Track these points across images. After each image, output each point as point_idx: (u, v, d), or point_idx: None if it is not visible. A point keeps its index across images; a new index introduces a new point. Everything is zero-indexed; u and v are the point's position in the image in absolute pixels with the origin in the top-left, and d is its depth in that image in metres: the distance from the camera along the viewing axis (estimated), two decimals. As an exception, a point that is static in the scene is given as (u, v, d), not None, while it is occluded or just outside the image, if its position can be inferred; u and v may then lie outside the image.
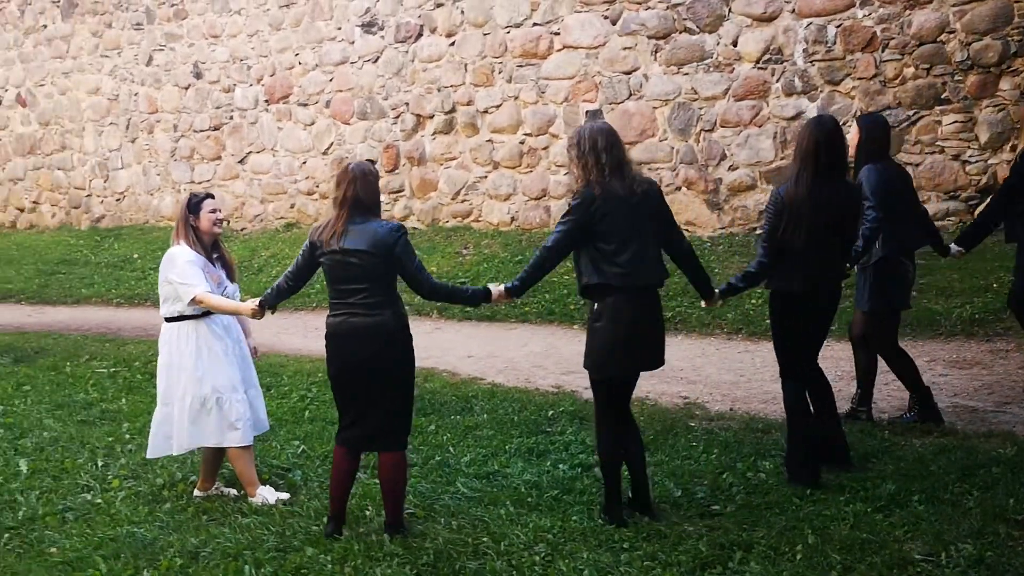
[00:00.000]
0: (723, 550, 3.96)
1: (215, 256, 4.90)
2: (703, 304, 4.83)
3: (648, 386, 6.73)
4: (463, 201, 11.98)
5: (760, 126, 9.72)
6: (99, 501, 4.92)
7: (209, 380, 4.72)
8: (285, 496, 4.86)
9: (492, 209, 11.73)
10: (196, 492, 5.01)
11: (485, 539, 4.17)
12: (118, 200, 15.36)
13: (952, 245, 5.84)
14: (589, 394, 6.50)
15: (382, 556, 4.04)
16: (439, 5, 11.80)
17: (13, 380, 7.65)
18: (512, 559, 3.98)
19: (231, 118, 13.97)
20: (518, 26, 11.21)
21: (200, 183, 14.31)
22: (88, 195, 15.69)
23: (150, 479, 5.18)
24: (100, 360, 8.37)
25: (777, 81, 9.61)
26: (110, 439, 5.99)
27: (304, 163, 13.34)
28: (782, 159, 9.53)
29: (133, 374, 7.76)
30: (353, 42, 12.61)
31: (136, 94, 14.88)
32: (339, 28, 12.72)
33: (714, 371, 7.15)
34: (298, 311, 10.27)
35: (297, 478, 5.21)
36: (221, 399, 4.72)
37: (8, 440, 6.04)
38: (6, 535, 4.51)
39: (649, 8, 10.25)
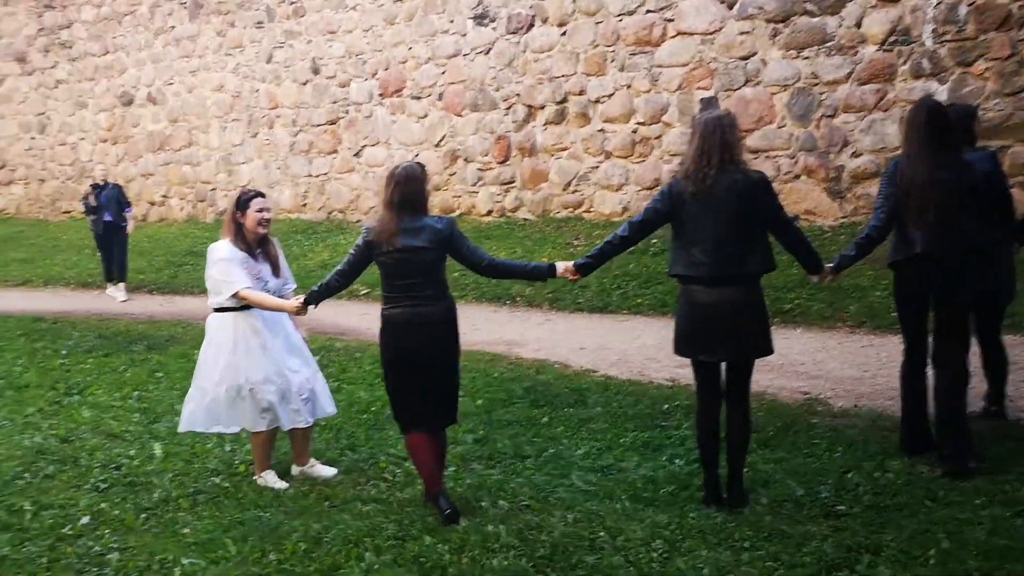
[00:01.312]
0: (850, 553, 3.83)
1: (259, 252, 5.08)
2: (813, 279, 4.82)
3: (767, 380, 6.57)
4: (574, 192, 11.94)
5: (886, 111, 9.33)
6: (227, 485, 5.11)
7: (243, 371, 4.97)
8: (283, 485, 5.05)
9: (604, 199, 11.65)
10: (293, 468, 5.26)
11: (602, 533, 4.14)
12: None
13: None
14: (706, 388, 6.42)
15: (499, 547, 4.06)
16: (551, -5, 11.76)
17: (147, 367, 8.02)
18: (629, 555, 3.93)
19: (347, 112, 14.29)
20: (631, 13, 11.07)
21: (317, 176, 14.71)
22: (213, 189, 16.32)
23: (273, 465, 5.33)
24: (226, 348, 8.67)
25: (904, 64, 9.19)
26: (236, 425, 6.19)
27: (417, 155, 13.51)
28: (909, 145, 9.12)
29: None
30: (465, 34, 12.71)
31: (257, 90, 15.37)
32: (451, 21, 12.83)
33: (836, 366, 6.92)
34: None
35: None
36: (254, 390, 4.97)
37: (143, 424, 6.34)
38: (143, 515, 4.73)
39: (767, -9, 9.96)
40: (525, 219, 12.38)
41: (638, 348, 7.95)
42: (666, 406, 6.09)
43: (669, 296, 9.20)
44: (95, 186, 12.27)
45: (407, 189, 4.40)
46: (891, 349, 7.05)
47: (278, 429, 5.15)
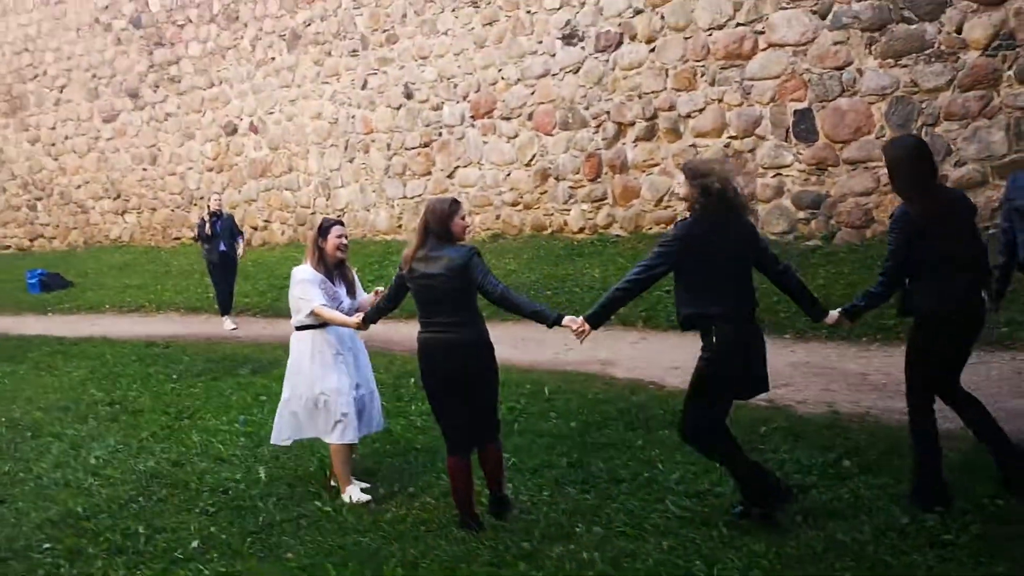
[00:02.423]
0: (957, 585, 3.70)
1: (336, 274, 5.50)
2: (824, 322, 4.75)
3: (869, 401, 6.41)
4: (666, 207, 11.85)
5: (990, 118, 8.99)
6: (328, 509, 5.25)
7: (320, 383, 5.40)
8: (366, 498, 5.32)
9: (697, 215, 11.51)
10: (332, 483, 5.58)
11: (698, 562, 4.10)
12: (339, 216, 16.33)
13: None
14: (804, 409, 6.29)
15: (593, 575, 4.06)
16: (639, 12, 11.75)
17: (252, 390, 8.29)
18: (725, 585, 3.89)
19: (440, 135, 14.53)
20: (720, 27, 10.97)
21: (412, 198, 14.99)
22: (312, 213, 16.78)
23: (372, 490, 5.46)
24: (326, 371, 8.90)
25: (1009, 69, 8.85)
26: (337, 448, 6.35)
27: (508, 175, 13.66)
28: (1016, 152, 8.77)
29: (355, 385, 8.19)
30: (554, 54, 12.80)
31: (353, 116, 15.78)
32: (540, 42, 12.94)
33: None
34: (504, 322, 10.50)
35: (508, 491, 5.31)
36: (328, 401, 5.38)
37: (248, 448, 6.56)
38: (249, 539, 4.90)
39: (861, 0, 9.73)
40: (617, 236, 12.35)
41: (734, 367, 7.81)
42: (763, 428, 5.98)
43: (765, 313, 9.01)
44: (213, 215, 12.25)
45: (431, 220, 4.71)
46: (1002, 367, 6.79)
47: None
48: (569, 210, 12.96)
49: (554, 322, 4.62)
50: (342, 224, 5.58)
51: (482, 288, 4.64)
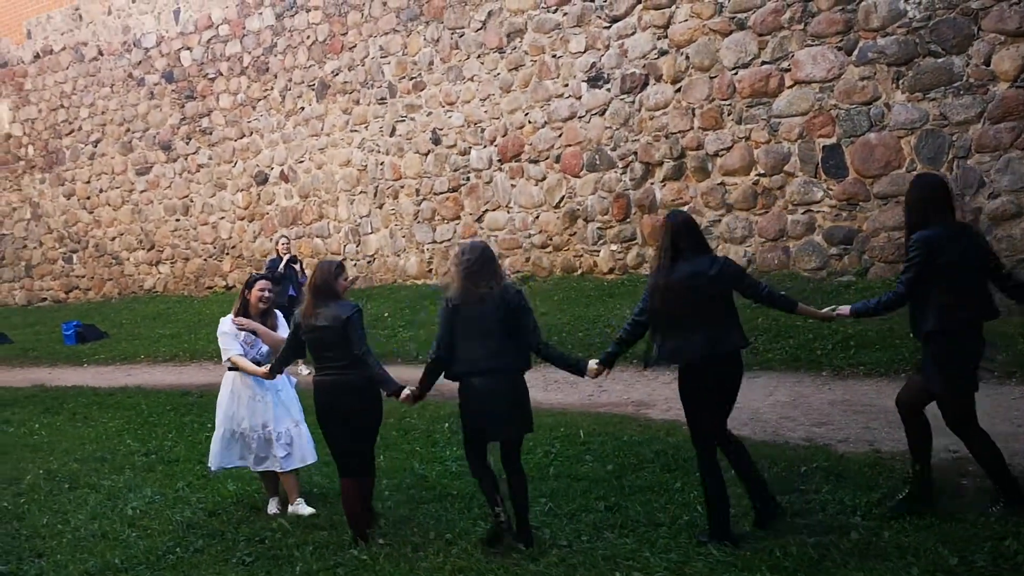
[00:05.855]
0: (1012, 629, 3.59)
1: (258, 323, 6.10)
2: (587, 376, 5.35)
3: (910, 439, 6.27)
4: (697, 246, 11.80)
5: (1023, 148, 8.91)
6: (364, 557, 5.19)
7: (236, 419, 6.15)
8: (311, 510, 6.03)
9: (727, 253, 11.47)
10: (271, 506, 6.29)
11: (741, 608, 4.01)
12: (369, 262, 16.47)
13: None
14: (845, 448, 6.20)
15: (635, 622, 3.99)
16: (663, 53, 11.83)
17: (286, 438, 8.28)
18: (771, 631, 3.80)
19: (468, 179, 14.64)
20: (746, 66, 11.02)
21: (441, 242, 15.07)
22: (343, 259, 16.89)
23: (406, 535, 5.41)
24: (359, 417, 8.88)
25: (1040, 99, 8.80)
26: (371, 495, 6.32)
27: (537, 217, 13.71)
28: (1052, 182, 8.68)
29: (387, 431, 8.15)
30: (580, 97, 12.89)
31: (382, 163, 15.95)
32: (566, 85, 13.05)
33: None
34: (536, 365, 10.46)
35: (546, 536, 5.26)
36: (245, 434, 6.13)
37: (283, 495, 6.55)
38: (286, 589, 4.87)
39: (887, 35, 9.74)
40: (646, 276, 12.29)
41: (771, 405, 7.74)
42: (803, 468, 5.88)
43: (801, 351, 8.96)
44: (292, 258, 11.95)
45: (317, 280, 5.40)
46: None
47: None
48: (599, 251, 12.96)
49: (392, 393, 5.24)
50: (267, 279, 6.31)
51: (352, 342, 5.21)
